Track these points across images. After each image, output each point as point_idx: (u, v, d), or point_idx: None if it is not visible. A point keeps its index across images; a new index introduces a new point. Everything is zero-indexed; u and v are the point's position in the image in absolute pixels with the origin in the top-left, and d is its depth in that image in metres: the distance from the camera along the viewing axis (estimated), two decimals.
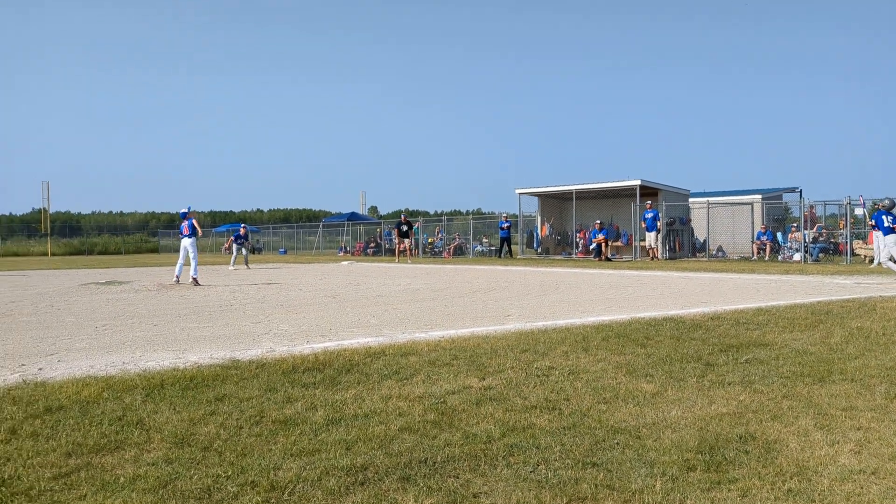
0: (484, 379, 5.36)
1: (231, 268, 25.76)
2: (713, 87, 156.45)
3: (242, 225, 29.22)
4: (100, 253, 63.82)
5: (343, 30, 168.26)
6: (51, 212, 65.10)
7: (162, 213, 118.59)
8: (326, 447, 3.75)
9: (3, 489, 3.16)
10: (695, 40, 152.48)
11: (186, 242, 17.13)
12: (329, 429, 4.08)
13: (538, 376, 5.44)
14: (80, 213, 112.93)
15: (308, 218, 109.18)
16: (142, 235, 78.04)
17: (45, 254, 59.85)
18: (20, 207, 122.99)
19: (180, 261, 17.46)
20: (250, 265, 27.78)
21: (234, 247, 27.29)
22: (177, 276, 17.09)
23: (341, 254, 43.84)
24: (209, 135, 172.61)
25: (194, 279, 16.45)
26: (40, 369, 5.84)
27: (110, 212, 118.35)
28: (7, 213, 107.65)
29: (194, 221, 17.39)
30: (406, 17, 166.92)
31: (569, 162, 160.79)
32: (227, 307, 11.03)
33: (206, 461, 3.53)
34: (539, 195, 33.62)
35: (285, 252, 49.33)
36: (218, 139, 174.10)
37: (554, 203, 34.37)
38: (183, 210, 17.67)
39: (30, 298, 13.24)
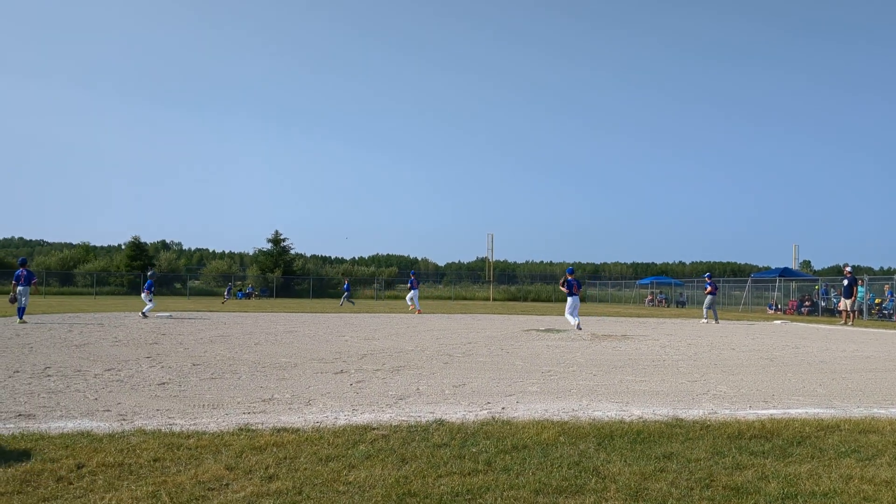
0: None
1: (704, 321, 26.14)
2: None
3: (708, 275, 29.00)
4: (532, 300, 68.69)
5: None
6: (492, 261, 72.11)
7: (587, 263, 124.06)
8: None
9: None
10: None
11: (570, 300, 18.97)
12: (784, 503, 3.91)
13: None
14: (515, 263, 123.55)
15: (733, 272, 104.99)
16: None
17: (487, 299, 66.32)
18: (467, 256, 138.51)
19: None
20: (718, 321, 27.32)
21: (709, 297, 27.12)
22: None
23: (771, 311, 41.25)
24: (623, 190, 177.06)
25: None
26: (503, 408, 6.56)
27: (541, 262, 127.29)
28: (457, 261, 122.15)
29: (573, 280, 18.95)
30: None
31: None
32: (659, 362, 11.15)
33: None
34: None
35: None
36: (633, 192, 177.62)
37: None
38: (569, 267, 18.96)
39: (483, 341, 14.87)
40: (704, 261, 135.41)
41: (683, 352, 13.20)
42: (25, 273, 19.05)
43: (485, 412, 6.32)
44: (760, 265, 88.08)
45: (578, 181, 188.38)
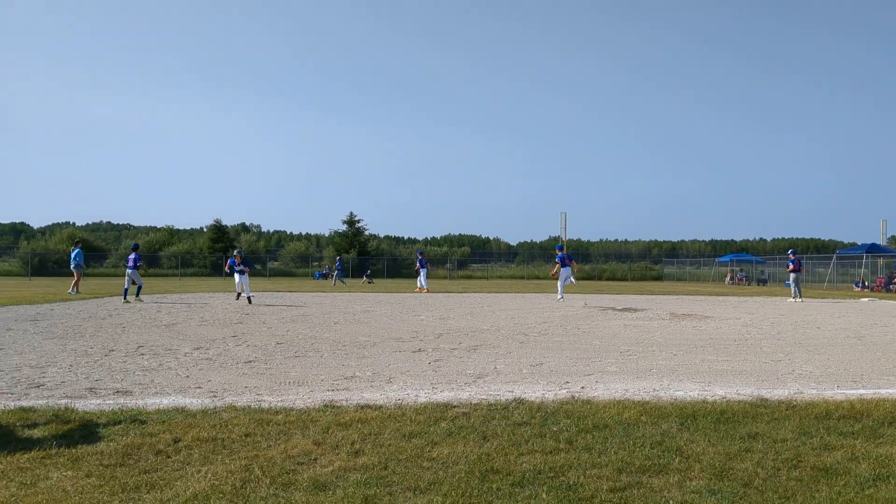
0: None
1: (792, 299, 25.47)
2: None
3: (792, 251, 28.08)
4: (608, 279, 67.88)
5: None
6: (565, 239, 71.49)
7: (664, 241, 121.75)
8: None
9: (571, 494, 3.64)
10: None
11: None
12: (876, 485, 3.82)
13: None
14: (589, 241, 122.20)
15: (816, 248, 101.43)
16: (646, 263, 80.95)
17: None
18: (540, 235, 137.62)
19: None
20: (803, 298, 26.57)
21: (793, 275, 26.37)
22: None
23: (858, 289, 39.78)
24: (701, 164, 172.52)
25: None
26: (583, 388, 6.56)
27: (615, 240, 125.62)
28: (529, 241, 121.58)
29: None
30: None
31: None
32: (741, 342, 10.92)
33: (748, 497, 3.60)
34: None
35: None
36: (711, 167, 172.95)
37: None
38: (559, 244, 18.74)
39: (558, 320, 14.83)
40: (786, 237, 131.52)
41: (766, 331, 12.89)
42: (134, 257, 20.51)
43: (564, 391, 6.34)
44: (846, 241, 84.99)
45: (654, 157, 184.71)
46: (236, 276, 20.59)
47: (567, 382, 6.91)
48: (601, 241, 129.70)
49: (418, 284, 31.20)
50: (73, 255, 25.08)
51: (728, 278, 56.13)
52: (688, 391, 6.41)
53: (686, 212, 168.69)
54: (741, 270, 57.47)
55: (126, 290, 20.41)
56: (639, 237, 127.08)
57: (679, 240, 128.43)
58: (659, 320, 15.10)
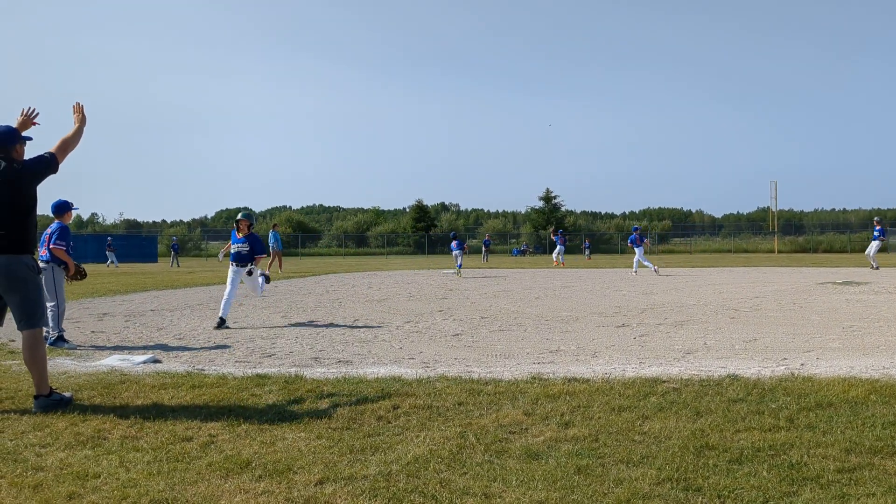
0: None
1: None
2: None
3: None
4: (824, 251, 63.08)
5: None
6: (775, 210, 67.19)
7: (888, 209, 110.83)
8: None
9: (794, 472, 3.48)
10: None
11: None
12: None
13: None
14: (802, 211, 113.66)
15: None
16: (868, 233, 74.15)
17: (771, 251, 62.07)
18: (747, 206, 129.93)
19: None
20: None
21: None
22: None
23: None
24: None
25: None
26: (802, 365, 6.21)
27: (832, 209, 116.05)
28: (735, 212, 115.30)
29: None
30: None
31: None
32: None
33: None
34: None
35: None
36: None
37: None
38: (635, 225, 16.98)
39: (771, 295, 14.06)
40: None
41: None
42: (458, 242, 23.91)
43: (782, 368, 6.04)
44: None
45: (872, 113, 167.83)
46: (231, 268, 10.26)
47: (785, 359, 6.58)
48: (816, 210, 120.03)
49: (555, 259, 34.94)
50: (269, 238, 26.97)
51: None
52: None
53: None
54: None
55: (459, 265, 23.68)
56: (859, 205, 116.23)
57: None
58: (886, 294, 13.87)
